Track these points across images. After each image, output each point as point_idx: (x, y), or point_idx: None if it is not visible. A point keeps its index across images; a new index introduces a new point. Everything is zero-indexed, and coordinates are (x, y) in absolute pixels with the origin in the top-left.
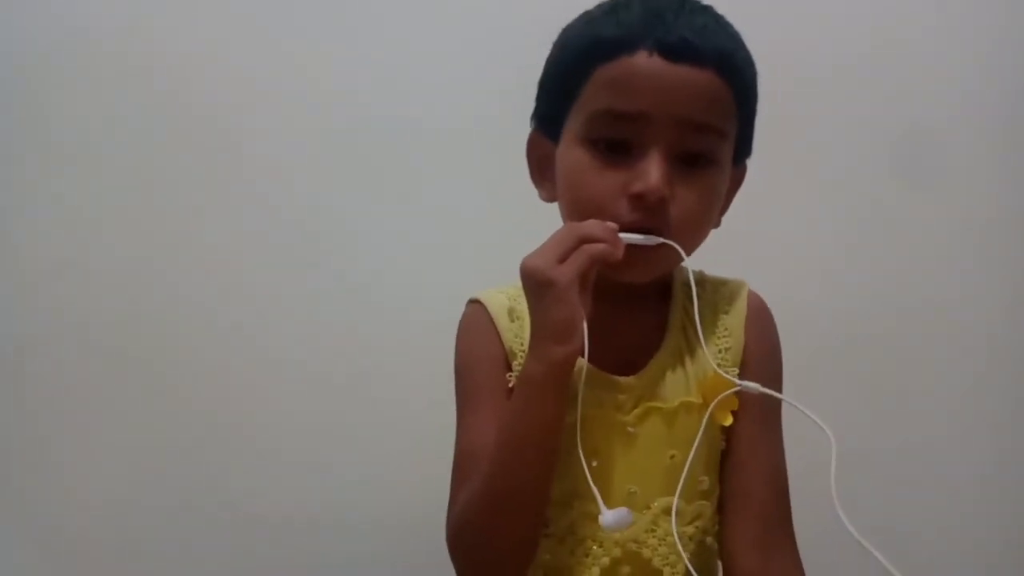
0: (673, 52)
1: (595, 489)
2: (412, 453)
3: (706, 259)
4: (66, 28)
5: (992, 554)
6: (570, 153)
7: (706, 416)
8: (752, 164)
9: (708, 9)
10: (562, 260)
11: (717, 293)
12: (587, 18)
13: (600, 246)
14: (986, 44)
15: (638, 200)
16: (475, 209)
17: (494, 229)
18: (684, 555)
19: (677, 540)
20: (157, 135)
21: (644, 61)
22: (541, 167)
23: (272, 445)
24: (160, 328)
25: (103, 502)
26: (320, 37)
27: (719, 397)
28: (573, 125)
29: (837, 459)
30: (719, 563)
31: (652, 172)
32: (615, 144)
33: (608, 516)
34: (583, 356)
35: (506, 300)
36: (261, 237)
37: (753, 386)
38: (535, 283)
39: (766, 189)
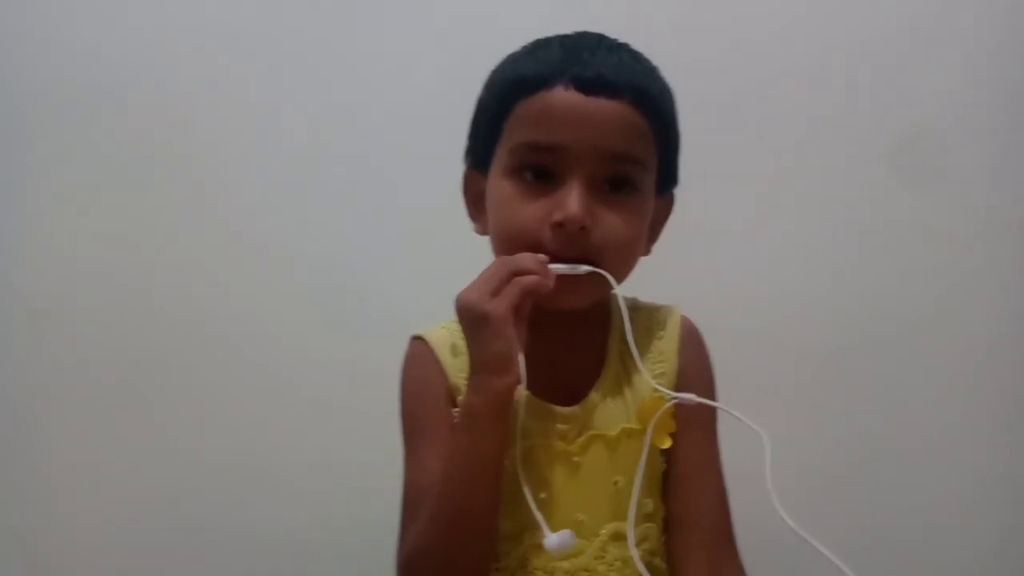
0: (588, 85)
1: (539, 515)
2: None
3: (705, 257)
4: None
5: (990, 561)
6: (498, 185)
7: (648, 439)
8: (747, 166)
9: (624, 47)
10: (495, 293)
11: (651, 319)
12: (510, 59)
13: (532, 278)
14: (986, 46)
15: (560, 228)
16: None
17: None
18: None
19: (638, 561)
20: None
21: (561, 94)
22: (476, 202)
23: (284, 471)
24: (168, 354)
25: (106, 528)
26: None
27: (657, 414)
28: (499, 159)
29: (775, 460)
30: None
31: (572, 201)
32: (539, 173)
33: (552, 539)
34: (522, 385)
35: (448, 336)
36: (286, 276)
37: (689, 397)
38: (470, 318)
39: (762, 192)
